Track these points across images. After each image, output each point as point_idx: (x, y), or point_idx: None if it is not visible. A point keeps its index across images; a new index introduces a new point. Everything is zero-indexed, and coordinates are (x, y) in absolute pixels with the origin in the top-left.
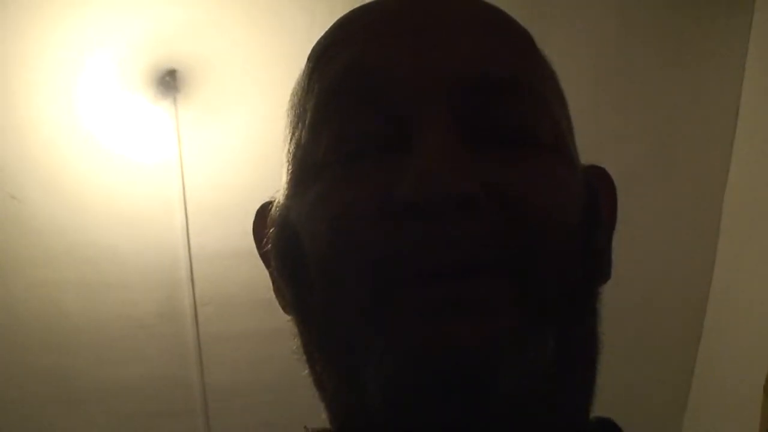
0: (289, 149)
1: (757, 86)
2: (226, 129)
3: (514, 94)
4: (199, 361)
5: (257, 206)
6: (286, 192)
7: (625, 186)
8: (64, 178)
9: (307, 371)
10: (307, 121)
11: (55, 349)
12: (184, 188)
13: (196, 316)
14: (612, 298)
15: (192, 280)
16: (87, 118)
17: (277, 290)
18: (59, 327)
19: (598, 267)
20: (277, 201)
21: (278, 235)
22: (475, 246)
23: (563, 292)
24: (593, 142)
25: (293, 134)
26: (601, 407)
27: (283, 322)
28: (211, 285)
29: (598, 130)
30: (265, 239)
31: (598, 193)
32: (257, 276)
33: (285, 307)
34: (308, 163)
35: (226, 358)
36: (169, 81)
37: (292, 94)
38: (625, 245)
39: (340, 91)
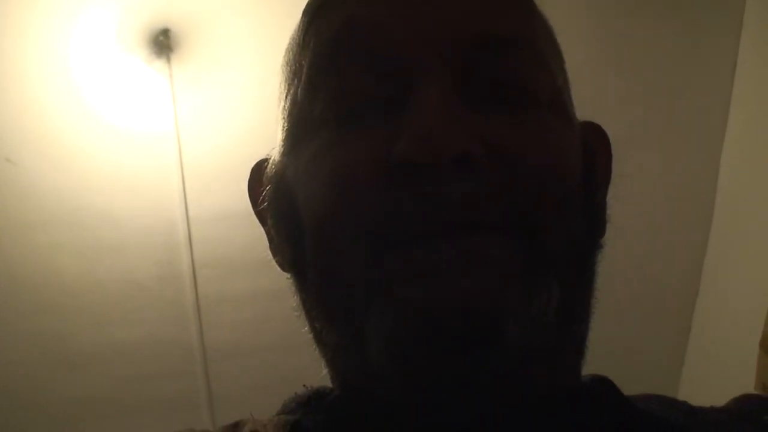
0: (284, 106)
1: (753, 45)
2: (221, 88)
3: (514, 53)
4: (198, 322)
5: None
6: (282, 149)
7: (622, 146)
8: (59, 141)
9: (307, 328)
10: (303, 78)
11: (54, 312)
12: (180, 149)
13: (194, 278)
14: (609, 256)
15: (190, 242)
16: (81, 80)
17: (274, 248)
18: (57, 290)
19: (597, 222)
20: (272, 159)
21: (274, 193)
22: (475, 204)
23: (565, 246)
24: (591, 102)
25: (288, 91)
26: (599, 365)
27: (282, 283)
28: (209, 247)
29: (596, 91)
30: (260, 198)
31: (593, 149)
32: (256, 237)
33: (282, 265)
34: (304, 120)
35: (225, 320)
36: (162, 40)
37: (287, 50)
38: (623, 203)
39: (338, 48)
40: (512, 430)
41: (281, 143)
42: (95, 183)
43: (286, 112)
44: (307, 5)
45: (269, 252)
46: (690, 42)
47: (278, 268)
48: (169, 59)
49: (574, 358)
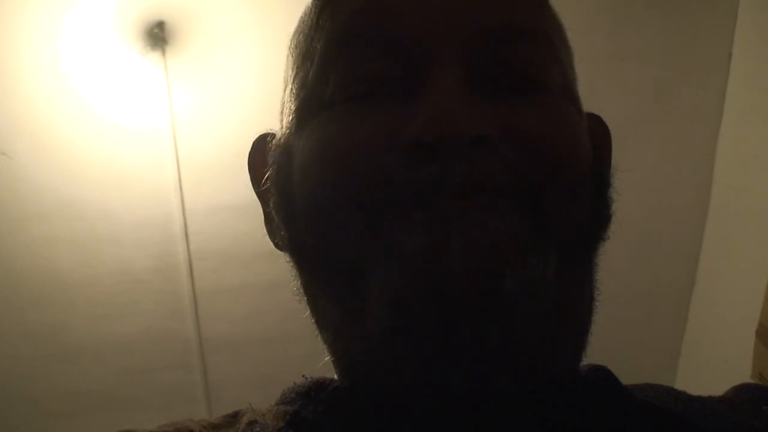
0: (292, 89)
1: (748, 38)
2: (216, 80)
3: (527, 42)
4: (194, 314)
5: None
6: (287, 131)
7: (618, 138)
8: (54, 133)
9: (308, 313)
10: (315, 61)
11: (50, 305)
12: (176, 142)
13: (191, 270)
14: (606, 247)
15: (186, 234)
16: (76, 73)
17: (273, 229)
18: (53, 283)
19: (604, 210)
20: (277, 139)
21: (278, 173)
22: (488, 179)
23: (570, 225)
24: (585, 95)
25: (297, 74)
26: (595, 356)
27: (278, 274)
28: (205, 239)
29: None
30: (264, 177)
31: (599, 139)
32: (252, 229)
33: (283, 247)
34: (313, 103)
35: (221, 311)
36: (157, 33)
37: (296, 33)
38: (619, 195)
39: (353, 32)
40: (512, 418)
41: (287, 125)
42: (90, 176)
43: (293, 95)
44: None
45: (265, 244)
46: (685, 34)
47: (275, 260)
48: (164, 51)
49: (575, 346)
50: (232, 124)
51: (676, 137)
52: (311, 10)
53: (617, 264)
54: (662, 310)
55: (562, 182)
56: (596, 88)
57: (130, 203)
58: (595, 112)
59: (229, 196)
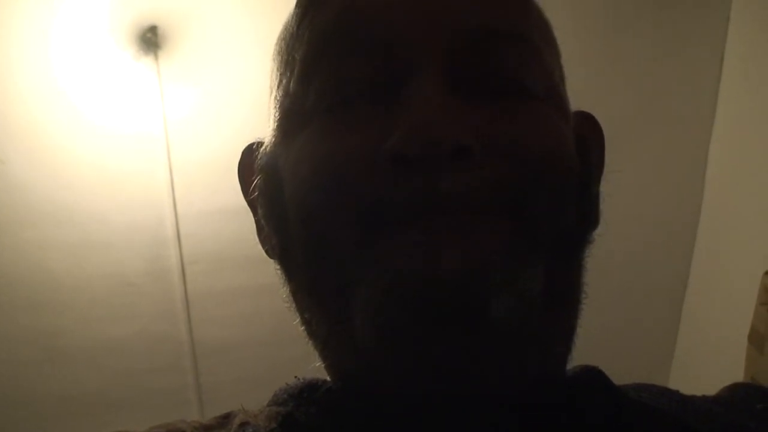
0: (275, 96)
1: (741, 38)
2: (209, 84)
3: (509, 46)
4: (187, 318)
5: None
6: (273, 140)
7: (611, 138)
8: (47, 137)
9: (298, 320)
10: (296, 69)
11: (43, 309)
12: (168, 146)
13: (183, 273)
14: (598, 248)
15: (179, 238)
16: (68, 77)
17: (264, 238)
18: (46, 287)
19: (591, 213)
20: (263, 148)
21: (265, 182)
22: (469, 195)
23: (555, 234)
24: (579, 95)
25: (281, 81)
26: (589, 358)
27: (271, 277)
28: (198, 243)
29: (584, 84)
30: (251, 186)
31: (588, 139)
32: (244, 233)
33: (271, 254)
34: (296, 111)
35: (214, 315)
36: (150, 37)
37: (280, 40)
38: (613, 194)
39: (332, 38)
40: (501, 418)
41: (272, 133)
42: (83, 179)
43: (277, 103)
44: None
45: (258, 247)
46: (677, 36)
47: (267, 263)
48: (156, 56)
49: (562, 348)
50: (225, 127)
51: (668, 139)
52: (292, 17)
53: (610, 267)
54: (654, 313)
55: (545, 191)
56: (589, 90)
57: (122, 207)
58: (590, 111)
59: (222, 199)
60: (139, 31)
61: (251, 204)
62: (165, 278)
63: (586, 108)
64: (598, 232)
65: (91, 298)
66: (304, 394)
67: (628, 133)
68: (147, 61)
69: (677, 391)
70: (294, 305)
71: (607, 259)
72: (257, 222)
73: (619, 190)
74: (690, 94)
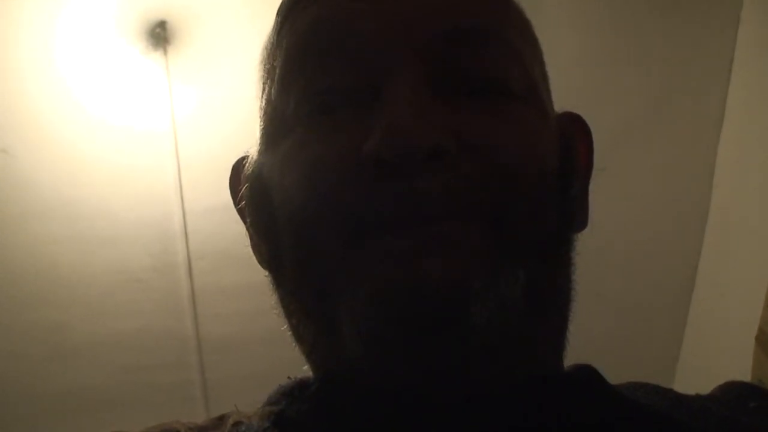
0: (260, 105)
1: (751, 40)
2: (218, 80)
3: (485, 45)
4: (193, 314)
5: None
6: (259, 148)
7: (620, 138)
8: (55, 132)
9: (286, 326)
10: (276, 77)
11: (49, 304)
12: (176, 141)
13: (190, 269)
14: (605, 250)
15: (186, 233)
16: (77, 72)
17: (255, 246)
18: (52, 282)
19: (574, 214)
20: (250, 157)
21: (250, 191)
22: (447, 198)
23: (536, 236)
24: (587, 97)
25: (264, 90)
26: (594, 360)
27: None
28: (205, 239)
29: (592, 86)
30: (239, 195)
31: (572, 140)
32: None
33: (262, 263)
34: (278, 119)
35: (220, 311)
36: (159, 32)
37: (263, 49)
38: (620, 198)
39: (309, 45)
40: (491, 416)
41: (258, 142)
42: (91, 175)
43: (262, 112)
44: (281, 5)
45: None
46: (686, 40)
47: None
48: (165, 51)
49: (552, 348)
50: (233, 123)
51: (676, 143)
52: (273, 26)
53: (616, 269)
54: (661, 315)
55: (522, 191)
56: (598, 94)
57: (129, 202)
58: (597, 117)
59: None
60: (148, 26)
61: (240, 213)
62: (171, 274)
63: (596, 109)
64: (607, 235)
65: (97, 293)
66: (295, 392)
67: (637, 134)
68: (156, 56)
69: (671, 389)
70: (282, 311)
71: (615, 259)
72: (248, 230)
73: (626, 193)
74: (699, 96)
